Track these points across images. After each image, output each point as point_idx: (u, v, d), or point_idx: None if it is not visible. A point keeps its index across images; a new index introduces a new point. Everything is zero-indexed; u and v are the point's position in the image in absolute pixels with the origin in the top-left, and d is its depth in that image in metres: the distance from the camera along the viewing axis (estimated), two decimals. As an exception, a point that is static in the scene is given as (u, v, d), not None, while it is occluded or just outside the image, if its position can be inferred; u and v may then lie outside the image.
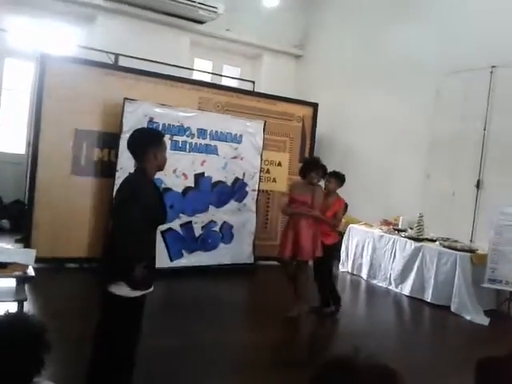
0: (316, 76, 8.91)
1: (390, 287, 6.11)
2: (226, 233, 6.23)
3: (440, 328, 5.15)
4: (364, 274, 6.55)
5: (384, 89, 7.39)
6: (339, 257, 6.92)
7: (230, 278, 6.00)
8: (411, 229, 6.28)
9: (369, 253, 6.51)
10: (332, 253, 5.06)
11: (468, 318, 5.21)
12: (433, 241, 5.92)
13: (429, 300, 5.57)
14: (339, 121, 8.11)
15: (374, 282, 6.36)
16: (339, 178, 5.09)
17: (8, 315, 1.64)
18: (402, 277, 5.97)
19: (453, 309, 5.37)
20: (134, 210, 2.39)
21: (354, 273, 6.72)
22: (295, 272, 4.78)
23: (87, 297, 4.89)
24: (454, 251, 5.53)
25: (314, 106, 7.31)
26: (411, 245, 5.90)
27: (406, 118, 6.95)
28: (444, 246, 5.66)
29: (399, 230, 6.34)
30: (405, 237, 6.08)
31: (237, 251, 6.29)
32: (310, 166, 4.81)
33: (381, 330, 4.78)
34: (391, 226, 6.52)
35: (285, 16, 8.83)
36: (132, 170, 2.72)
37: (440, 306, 5.44)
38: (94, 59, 6.20)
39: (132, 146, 2.63)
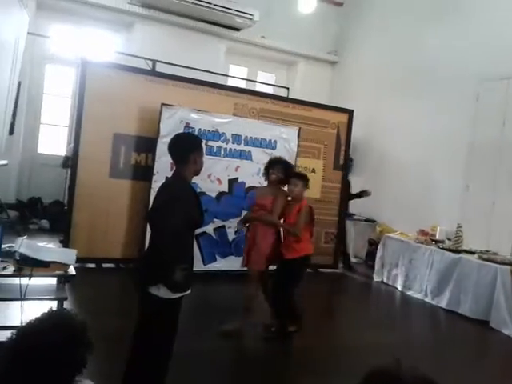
0: (351, 82, 8.84)
1: (425, 299, 5.95)
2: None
3: (478, 343, 4.98)
4: (399, 285, 6.40)
5: (422, 95, 7.26)
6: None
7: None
8: (449, 240, 6.10)
9: (404, 263, 6.36)
10: (294, 268, 4.16)
11: (507, 333, 5.00)
12: (471, 253, 5.73)
13: (466, 314, 5.38)
14: (375, 128, 8.01)
15: (410, 293, 6.21)
16: (305, 180, 4.26)
17: (51, 314, 1.64)
18: (439, 289, 5.80)
19: (492, 324, 5.18)
20: (175, 213, 2.39)
21: (389, 283, 6.57)
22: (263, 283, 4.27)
23: (124, 296, 4.98)
24: (494, 264, 5.33)
25: (350, 112, 7.24)
26: (449, 256, 5.73)
27: (445, 124, 6.80)
28: (483, 259, 5.47)
29: (436, 241, 6.17)
30: (442, 248, 5.91)
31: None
32: (270, 164, 4.30)
33: (416, 342, 4.65)
34: (428, 237, 6.36)
35: (320, 22, 8.82)
36: (168, 174, 2.77)
37: (478, 321, 5.25)
38: (132, 65, 6.34)
39: (174, 149, 2.67)
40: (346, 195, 7.13)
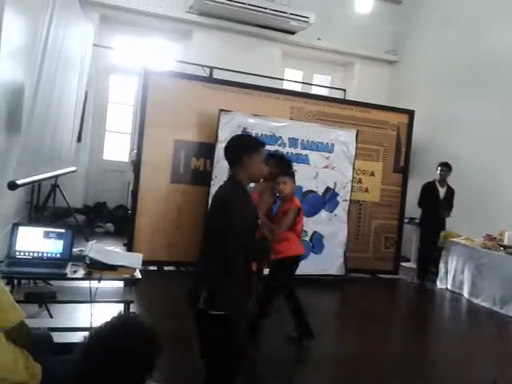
0: (412, 82, 8.55)
1: (494, 308, 5.62)
2: (317, 243, 6.16)
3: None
4: (465, 292, 6.09)
5: (487, 92, 6.90)
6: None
7: (321, 289, 5.91)
8: (519, 245, 5.75)
9: (471, 269, 6.05)
10: (277, 269, 3.98)
11: None
12: (545, 259, 5.37)
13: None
14: (437, 128, 7.69)
15: (477, 301, 5.89)
16: (293, 176, 4.00)
17: (123, 318, 1.69)
18: (509, 297, 5.47)
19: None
20: (235, 222, 2.29)
21: (454, 290, 6.28)
22: None
23: (184, 299, 5.10)
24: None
25: (410, 113, 7.01)
26: (519, 263, 5.40)
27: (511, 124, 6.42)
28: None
29: (505, 247, 5.82)
30: (512, 254, 5.58)
31: (327, 262, 6.18)
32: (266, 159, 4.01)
33: (484, 355, 4.41)
34: (496, 242, 6.02)
35: (377, 22, 8.62)
36: (226, 178, 2.53)
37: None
38: (190, 73, 6.50)
39: (227, 151, 2.48)
40: (450, 205, 6.49)
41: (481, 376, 3.77)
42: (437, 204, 6.41)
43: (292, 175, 3.99)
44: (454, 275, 6.32)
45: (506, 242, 5.95)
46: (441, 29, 7.97)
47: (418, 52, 8.59)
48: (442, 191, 6.48)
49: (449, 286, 6.38)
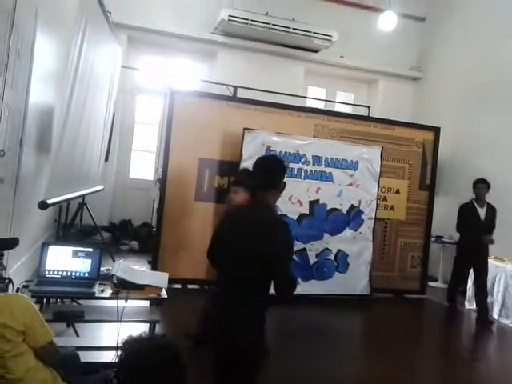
0: (437, 98, 8.48)
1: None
2: (341, 262, 6.09)
3: None
4: (495, 313, 5.91)
5: (510, 108, 6.77)
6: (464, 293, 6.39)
7: (345, 309, 5.83)
8: (551, 265, 5.55)
9: (500, 290, 5.88)
10: None
11: None
12: None
13: None
14: (464, 145, 7.58)
15: (507, 322, 5.71)
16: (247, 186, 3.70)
17: (149, 339, 1.69)
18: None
19: None
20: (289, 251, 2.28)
21: (483, 311, 6.10)
22: None
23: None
24: None
25: (436, 130, 6.93)
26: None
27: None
28: None
29: (537, 267, 5.65)
30: (544, 274, 5.40)
31: (352, 281, 6.09)
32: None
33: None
34: (527, 262, 5.85)
35: (400, 38, 8.61)
36: None
37: None
38: (215, 92, 6.60)
39: (270, 175, 2.29)
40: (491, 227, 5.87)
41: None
42: (477, 227, 5.77)
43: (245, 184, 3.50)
44: (483, 296, 6.14)
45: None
46: (464, 45, 7.91)
47: (442, 68, 8.52)
48: (481, 212, 5.84)
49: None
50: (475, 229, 5.74)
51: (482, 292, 5.76)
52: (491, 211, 5.87)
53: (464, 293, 6.52)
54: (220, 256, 2.36)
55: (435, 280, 7.49)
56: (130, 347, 1.57)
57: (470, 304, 6.32)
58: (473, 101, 7.62)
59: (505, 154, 6.86)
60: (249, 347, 2.15)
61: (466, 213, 5.90)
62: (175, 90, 6.06)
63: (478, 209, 5.84)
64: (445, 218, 7.58)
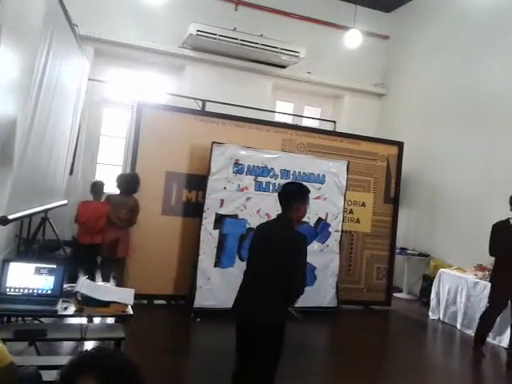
0: (400, 114, 8.75)
1: (487, 339, 5.60)
2: (309, 274, 6.11)
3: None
4: (458, 324, 6.08)
5: (472, 125, 7.07)
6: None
7: (313, 321, 5.85)
8: (510, 275, 5.75)
9: (462, 300, 6.06)
10: None
11: None
12: (535, 289, 5.37)
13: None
14: (426, 160, 7.83)
15: (469, 332, 5.87)
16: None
17: (102, 351, 1.64)
18: (500, 328, 5.45)
19: None
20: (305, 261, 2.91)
21: (446, 321, 6.27)
22: None
23: (174, 333, 5.04)
24: None
25: (400, 144, 7.14)
26: (511, 293, 5.39)
27: (497, 155, 6.56)
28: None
29: (496, 277, 5.84)
30: (503, 284, 5.58)
31: (320, 294, 6.15)
32: None
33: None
34: (487, 272, 6.04)
35: (366, 56, 8.87)
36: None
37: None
38: (183, 106, 6.60)
39: (283, 196, 3.02)
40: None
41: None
42: None
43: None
44: (445, 306, 6.32)
45: (493, 266, 5.97)
46: (427, 63, 8.22)
47: (405, 85, 8.82)
48: None
49: (441, 317, 6.37)
50: (510, 252, 4.82)
51: None
52: None
53: (427, 304, 6.68)
54: (255, 260, 3.00)
55: (400, 291, 7.65)
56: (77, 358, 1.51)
57: (434, 314, 6.47)
58: (433, 117, 7.90)
59: (463, 168, 7.12)
60: (279, 328, 2.85)
61: (500, 233, 4.94)
62: (142, 103, 6.03)
63: None
64: (408, 229, 7.80)
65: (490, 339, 5.51)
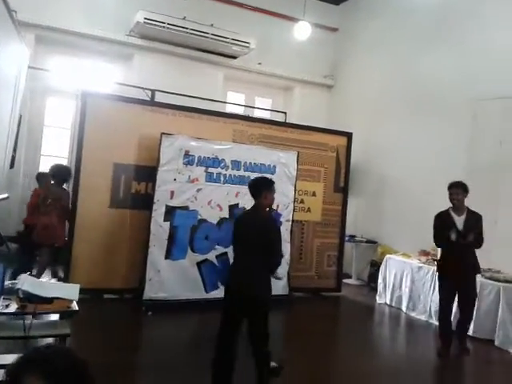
0: (348, 105, 8.95)
1: (430, 320, 5.90)
2: (261, 264, 6.20)
3: (484, 363, 4.91)
4: (403, 307, 6.36)
5: (417, 115, 7.35)
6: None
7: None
8: (451, 259, 6.05)
9: (407, 284, 6.33)
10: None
11: (513, 351, 4.96)
12: (474, 272, 5.69)
13: (471, 333, 5.31)
14: (374, 150, 8.07)
15: (413, 314, 6.16)
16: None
17: (49, 348, 1.61)
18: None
19: (497, 342, 5.13)
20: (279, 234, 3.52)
21: (393, 305, 6.53)
22: None
23: (125, 328, 4.96)
24: (497, 282, 5.32)
25: (348, 135, 7.31)
26: (451, 276, 5.69)
27: (443, 144, 6.86)
28: (486, 278, 5.44)
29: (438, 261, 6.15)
30: (444, 268, 5.87)
31: (272, 282, 6.22)
32: None
33: (420, 366, 4.61)
34: (430, 257, 6.35)
35: (315, 48, 8.98)
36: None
37: (483, 340, 5.20)
38: (131, 96, 6.44)
39: (251, 188, 3.64)
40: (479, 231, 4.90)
41: None
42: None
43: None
44: (392, 290, 6.58)
45: (438, 257, 6.26)
46: (374, 55, 8.44)
47: (353, 77, 9.02)
48: (459, 220, 4.86)
49: (387, 301, 6.63)
50: (450, 241, 4.82)
51: (465, 318, 4.99)
52: (472, 220, 4.87)
53: (375, 289, 6.93)
54: (239, 243, 3.63)
55: (349, 277, 7.89)
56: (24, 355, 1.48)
57: (381, 299, 6.73)
58: (380, 109, 8.15)
59: (408, 158, 7.40)
60: (264, 299, 3.48)
61: (440, 223, 4.99)
62: (88, 92, 5.84)
63: (456, 217, 4.90)
64: (357, 218, 8.04)
65: (433, 320, 5.79)
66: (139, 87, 7.13)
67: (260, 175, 5.12)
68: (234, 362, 3.43)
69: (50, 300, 2.80)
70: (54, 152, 7.92)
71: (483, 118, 6.33)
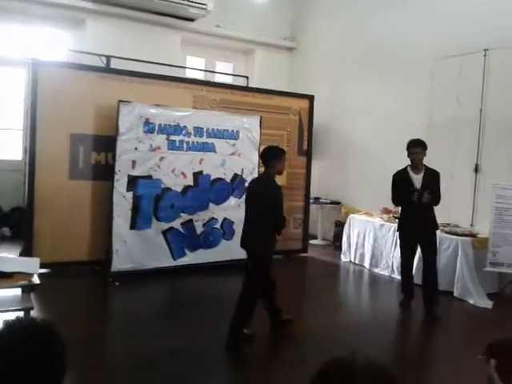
0: (310, 68, 8.90)
1: (392, 275, 6.14)
2: (227, 229, 6.25)
3: (444, 313, 5.17)
4: (366, 264, 6.58)
5: (378, 76, 7.40)
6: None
7: (234, 274, 5.99)
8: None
9: (370, 242, 6.53)
10: None
11: (471, 302, 5.23)
12: (433, 227, 5.91)
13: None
14: (336, 111, 8.11)
15: (377, 270, 6.40)
16: None
17: (20, 320, 1.60)
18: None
19: (456, 294, 5.40)
20: (279, 200, 3.82)
21: (357, 262, 6.75)
22: None
23: (91, 299, 4.95)
24: (455, 236, 5.55)
25: (310, 98, 7.30)
26: (412, 232, 5.89)
27: (402, 104, 6.96)
28: (445, 232, 5.66)
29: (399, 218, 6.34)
30: (405, 224, 6.07)
31: (239, 247, 6.27)
32: None
33: (383, 318, 4.82)
34: (391, 214, 6.54)
35: (274, 9, 8.81)
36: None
37: (443, 292, 5.45)
38: (85, 63, 6.20)
39: (260, 157, 4.13)
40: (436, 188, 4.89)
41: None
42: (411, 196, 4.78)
43: None
44: (355, 248, 6.79)
45: (399, 214, 6.47)
46: (334, 16, 8.36)
47: (314, 39, 8.93)
48: (417, 179, 4.87)
49: (352, 259, 6.85)
50: (408, 200, 4.79)
51: (429, 275, 4.93)
52: (430, 177, 4.88)
53: (340, 248, 7.12)
54: (246, 206, 4.06)
55: (315, 238, 8.07)
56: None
57: (346, 257, 6.94)
58: (342, 69, 8.14)
59: (369, 119, 7.49)
60: (267, 256, 3.95)
61: (398, 181, 4.98)
62: (38, 61, 5.57)
63: (413, 176, 4.90)
64: (321, 180, 8.15)
65: (395, 275, 6.02)
66: (93, 54, 6.85)
67: (271, 145, 4.65)
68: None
69: (9, 274, 2.75)
70: (7, 125, 7.61)
71: (440, 76, 6.43)
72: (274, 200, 3.80)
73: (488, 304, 5.15)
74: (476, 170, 5.99)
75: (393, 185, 5.02)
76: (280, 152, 3.98)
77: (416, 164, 4.86)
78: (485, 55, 5.87)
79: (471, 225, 5.97)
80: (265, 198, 3.82)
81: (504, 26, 5.63)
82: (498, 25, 5.67)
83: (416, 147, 4.82)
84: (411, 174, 4.90)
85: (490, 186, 5.50)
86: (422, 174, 4.88)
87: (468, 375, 3.24)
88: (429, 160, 5.05)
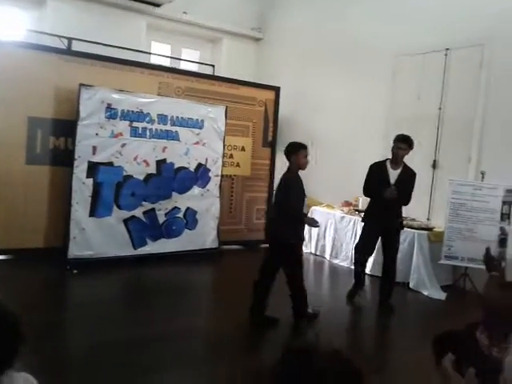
0: (276, 59, 8.89)
1: (351, 266, 6.24)
2: (190, 219, 6.21)
3: (399, 304, 5.33)
4: (327, 255, 6.70)
5: (342, 71, 7.49)
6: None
7: (196, 263, 6.02)
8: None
9: (331, 234, 6.65)
10: None
11: (426, 293, 5.42)
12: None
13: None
14: (301, 104, 8.16)
15: (336, 261, 6.53)
16: None
17: None
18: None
19: (411, 285, 5.58)
20: (291, 195, 4.09)
21: (317, 253, 6.87)
22: None
23: (50, 286, 4.83)
24: (412, 230, 5.72)
25: (276, 89, 7.32)
26: (371, 225, 6.03)
27: (364, 100, 7.07)
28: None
29: (359, 211, 6.48)
30: (364, 217, 6.21)
31: (201, 237, 6.29)
32: None
33: (340, 308, 4.93)
34: (352, 207, 6.67)
35: (243, -1, 8.74)
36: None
37: (399, 283, 5.61)
38: (46, 44, 5.97)
39: (284, 152, 4.31)
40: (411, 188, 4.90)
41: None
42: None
43: None
44: (316, 240, 6.89)
45: (360, 207, 6.62)
46: (301, 9, 8.37)
47: (281, 30, 8.92)
48: (393, 174, 4.83)
49: (313, 250, 6.95)
50: (380, 193, 4.75)
51: (388, 273, 4.99)
52: (406, 176, 4.83)
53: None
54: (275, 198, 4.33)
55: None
56: None
57: (307, 248, 7.03)
58: (308, 62, 8.18)
59: (335, 112, 7.58)
60: (293, 244, 4.14)
61: (374, 173, 4.94)
62: (-6, 40, 5.33)
63: (391, 171, 4.85)
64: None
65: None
66: (54, 35, 6.60)
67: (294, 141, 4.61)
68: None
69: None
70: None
71: (403, 72, 6.58)
72: (285, 191, 4.10)
73: (442, 296, 5.35)
74: (434, 165, 6.18)
75: (368, 175, 4.99)
76: (298, 147, 4.21)
77: (396, 159, 4.83)
78: (446, 54, 6.04)
79: (428, 219, 6.17)
80: (283, 190, 4.14)
81: (465, 27, 5.80)
82: (459, 25, 5.84)
83: (402, 143, 4.78)
84: (389, 167, 4.86)
85: (447, 181, 5.68)
86: (400, 170, 4.83)
87: (421, 364, 3.36)
88: (388, 154, 5.15)
